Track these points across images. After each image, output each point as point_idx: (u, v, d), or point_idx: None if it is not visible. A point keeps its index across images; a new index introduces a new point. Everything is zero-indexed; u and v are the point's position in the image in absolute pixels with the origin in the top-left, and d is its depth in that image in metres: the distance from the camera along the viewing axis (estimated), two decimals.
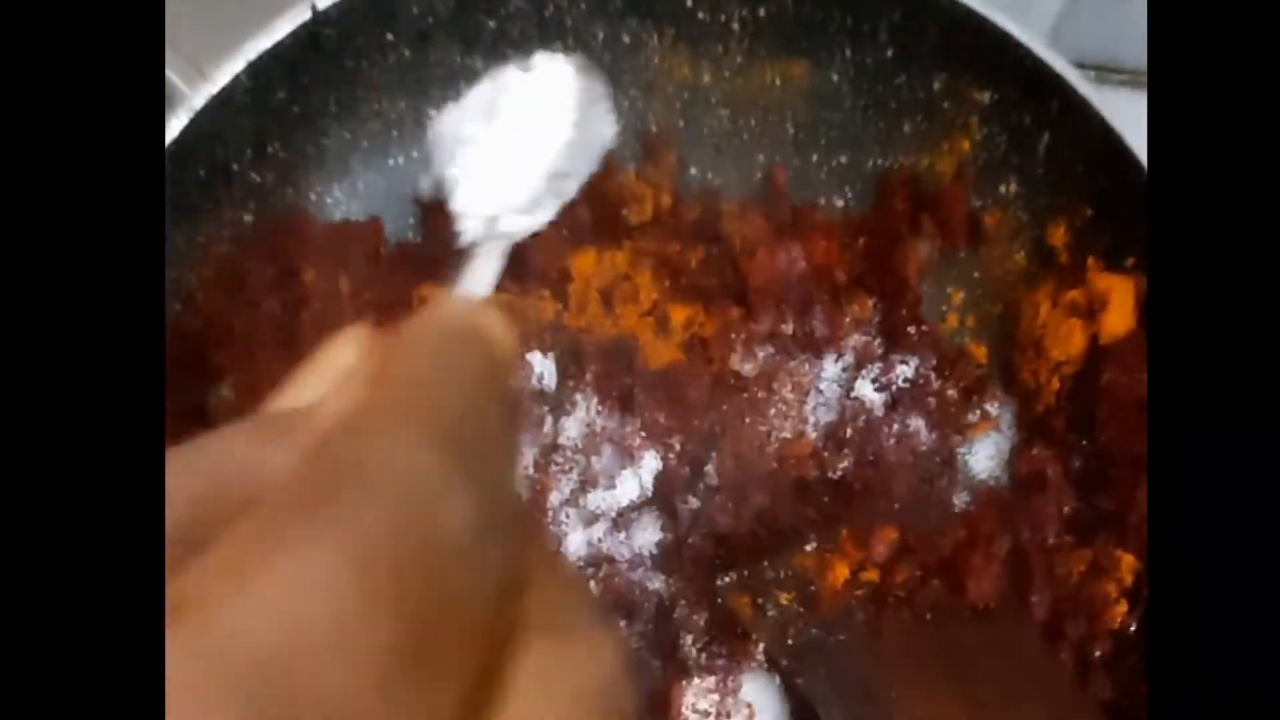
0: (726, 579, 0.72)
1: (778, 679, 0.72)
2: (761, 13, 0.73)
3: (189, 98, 0.67)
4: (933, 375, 0.76)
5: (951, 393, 0.75)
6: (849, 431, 0.75)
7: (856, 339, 0.75)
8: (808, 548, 0.73)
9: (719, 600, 0.71)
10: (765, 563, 0.73)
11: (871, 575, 0.73)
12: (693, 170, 0.79)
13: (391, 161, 0.77)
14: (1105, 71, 0.88)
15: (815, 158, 0.78)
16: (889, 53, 0.72)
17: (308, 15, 0.67)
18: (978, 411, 0.76)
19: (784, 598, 0.73)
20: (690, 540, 0.73)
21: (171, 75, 0.74)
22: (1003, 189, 0.74)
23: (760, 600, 0.73)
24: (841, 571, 0.74)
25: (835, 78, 0.75)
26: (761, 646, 0.72)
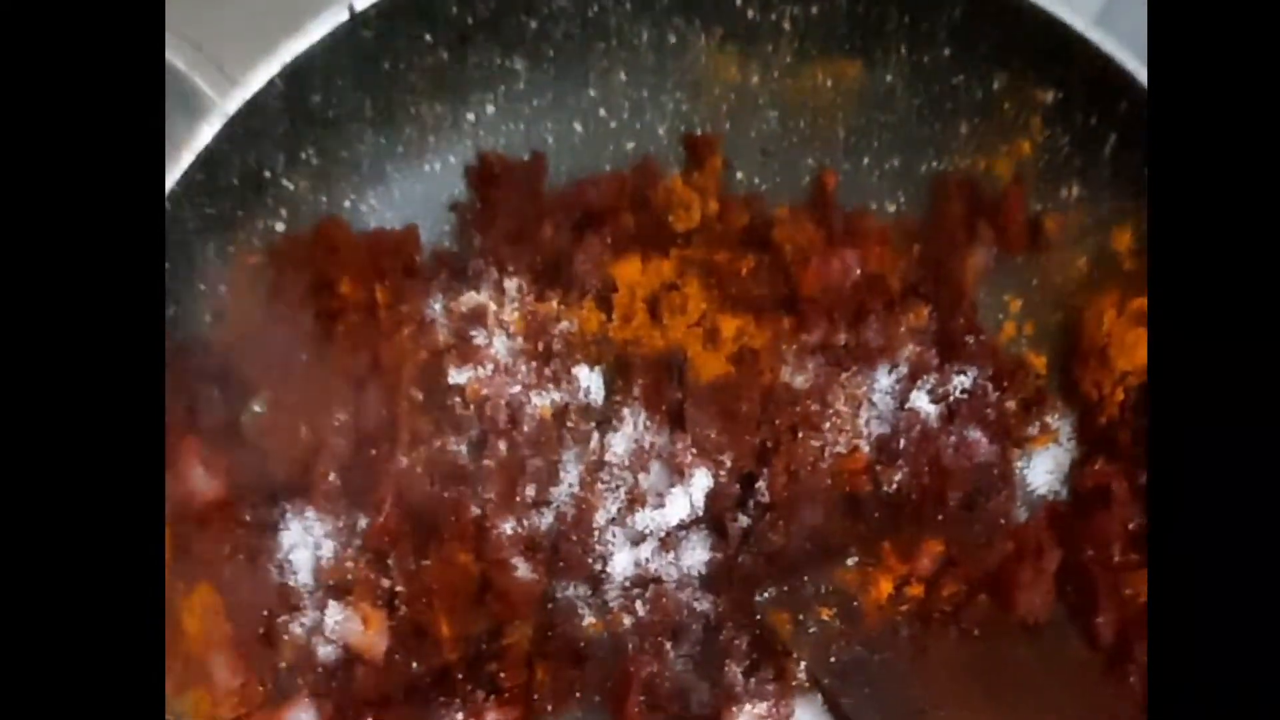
0: (765, 594, 0.69)
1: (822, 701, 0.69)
2: (814, 11, 0.70)
3: (220, 105, 0.65)
4: (990, 386, 0.73)
5: (1010, 404, 0.73)
6: (903, 444, 0.72)
7: (911, 349, 0.72)
8: (849, 562, 0.71)
9: (758, 618, 0.69)
10: (805, 578, 0.71)
11: (916, 590, 0.71)
12: (739, 175, 0.76)
13: (427, 167, 0.74)
14: None
15: (867, 161, 0.75)
16: (947, 51, 0.70)
17: (345, 17, 0.65)
18: (1037, 424, 0.73)
19: (825, 614, 0.70)
20: (740, 559, 0.71)
21: (201, 83, 0.72)
22: (1064, 192, 0.72)
23: (801, 617, 0.70)
24: (885, 587, 0.71)
25: (890, 78, 0.72)
26: (803, 665, 0.69)
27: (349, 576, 0.68)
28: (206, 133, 0.64)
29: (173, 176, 0.64)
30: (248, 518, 0.68)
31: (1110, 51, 0.63)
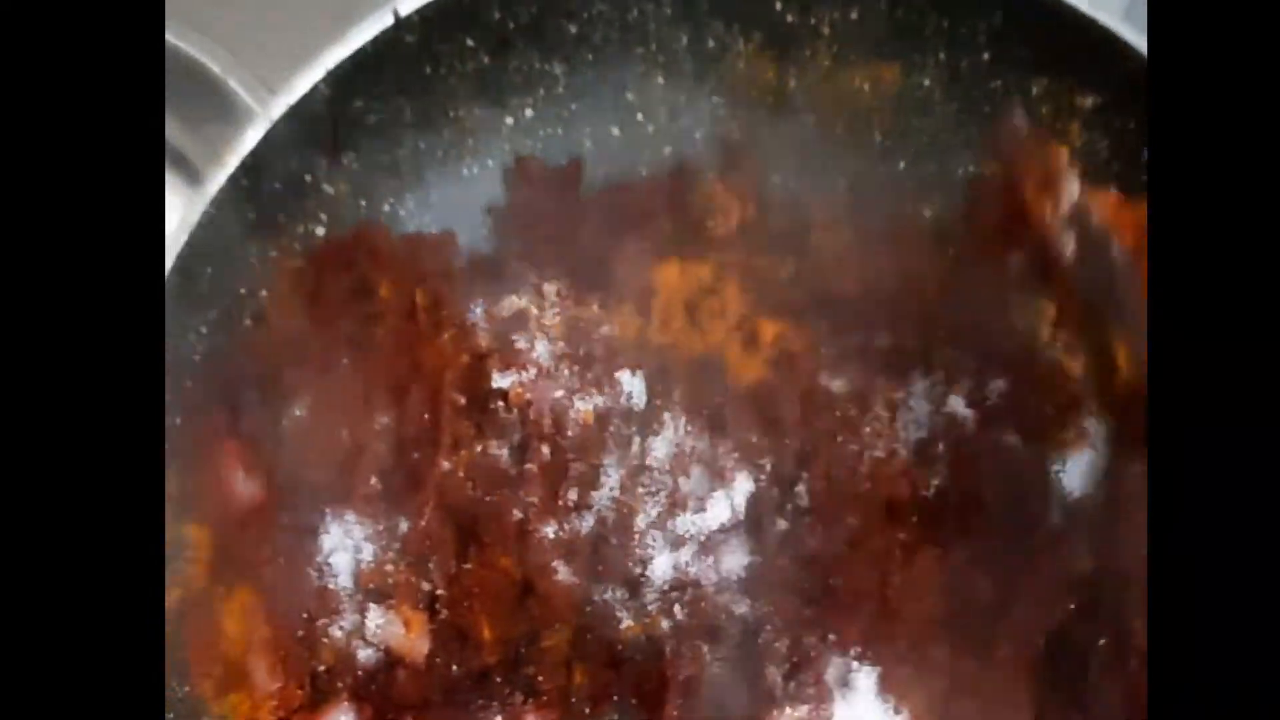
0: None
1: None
2: (854, 15, 0.70)
3: (258, 114, 0.65)
4: (1026, 390, 0.73)
5: (1046, 408, 0.73)
6: (941, 448, 0.72)
7: (948, 353, 0.72)
8: None
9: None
10: None
11: None
12: (776, 179, 0.76)
13: (465, 171, 0.75)
14: None
15: (903, 165, 0.75)
16: (986, 56, 0.70)
17: (389, 22, 0.65)
18: (1072, 428, 0.73)
19: None
20: (779, 563, 0.71)
21: (241, 92, 0.72)
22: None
23: None
24: None
25: (927, 82, 0.72)
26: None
27: (389, 580, 0.68)
28: (251, 138, 0.64)
29: (216, 182, 0.64)
30: (288, 521, 0.68)
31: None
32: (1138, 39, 0.64)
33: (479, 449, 0.68)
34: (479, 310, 0.71)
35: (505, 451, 0.68)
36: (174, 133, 0.75)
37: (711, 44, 0.73)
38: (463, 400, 0.68)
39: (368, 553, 0.68)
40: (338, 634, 0.68)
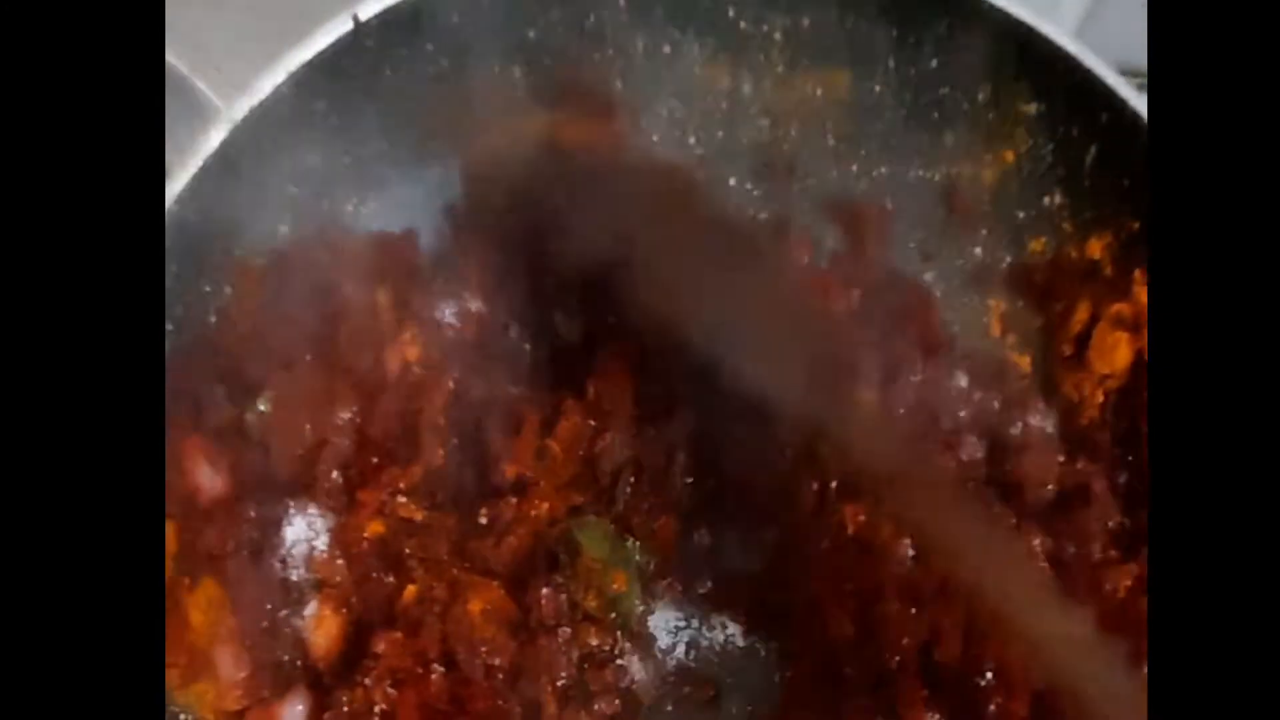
0: None
1: None
2: (806, 23, 0.72)
3: (225, 111, 0.66)
4: (972, 385, 0.75)
5: (994, 403, 0.75)
6: None
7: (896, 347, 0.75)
8: None
9: None
10: None
11: None
12: (732, 181, 0.78)
13: (427, 172, 0.76)
14: (1127, 75, 0.87)
15: (855, 168, 0.77)
16: (934, 63, 0.72)
17: (349, 26, 0.66)
18: (1020, 424, 0.75)
19: None
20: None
21: (207, 90, 0.73)
22: (1046, 200, 0.74)
23: None
24: None
25: (878, 88, 0.74)
26: None
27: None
28: (214, 138, 0.65)
29: (180, 181, 0.65)
30: (252, 514, 0.70)
31: (1091, 66, 0.65)
32: (1071, 43, 0.66)
33: None
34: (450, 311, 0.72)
35: None
36: None
37: (667, 49, 0.74)
38: None
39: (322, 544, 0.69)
40: (299, 624, 0.69)
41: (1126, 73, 0.85)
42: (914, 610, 0.69)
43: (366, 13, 0.66)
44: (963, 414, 0.73)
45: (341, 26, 0.66)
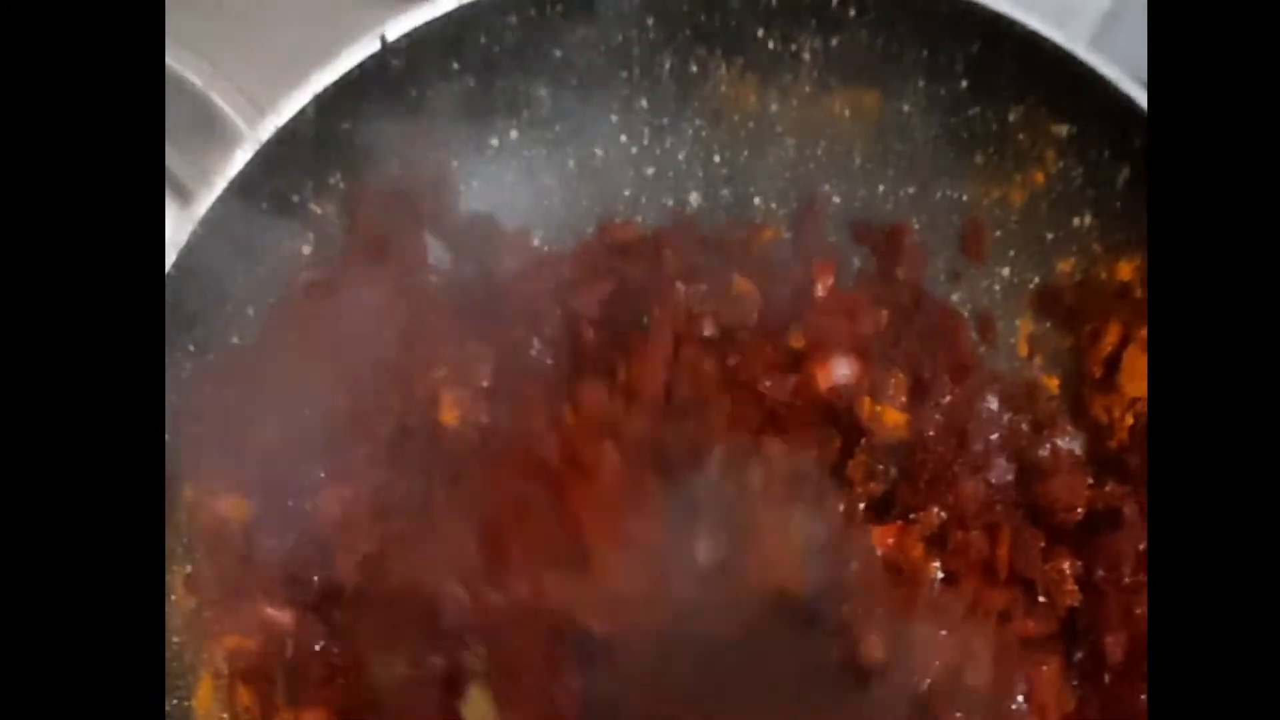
0: None
1: None
2: (834, 43, 0.71)
3: (247, 135, 0.66)
4: (1001, 407, 0.75)
5: (1023, 426, 0.74)
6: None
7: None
8: None
9: None
10: None
11: None
12: (756, 201, 0.78)
13: None
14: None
15: (882, 188, 0.77)
16: (964, 84, 0.71)
17: (376, 46, 0.66)
18: (1048, 445, 0.74)
19: None
20: None
21: (230, 112, 0.73)
22: (1076, 222, 0.73)
23: None
24: None
25: (906, 108, 0.74)
26: None
27: None
28: (240, 159, 0.65)
29: (206, 202, 0.64)
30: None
31: (1127, 90, 0.65)
32: (1105, 66, 0.66)
33: None
34: None
35: None
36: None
37: (694, 68, 0.74)
38: None
39: None
40: None
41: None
42: None
43: (394, 32, 0.65)
44: (993, 437, 0.72)
45: (369, 47, 0.65)
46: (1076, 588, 0.71)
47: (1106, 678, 0.70)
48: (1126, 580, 0.71)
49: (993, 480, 0.73)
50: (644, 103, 0.75)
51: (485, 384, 0.70)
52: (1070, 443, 0.75)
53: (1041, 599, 0.71)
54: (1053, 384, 0.76)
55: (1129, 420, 0.72)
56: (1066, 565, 0.71)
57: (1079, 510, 0.72)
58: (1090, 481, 0.73)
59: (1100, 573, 0.71)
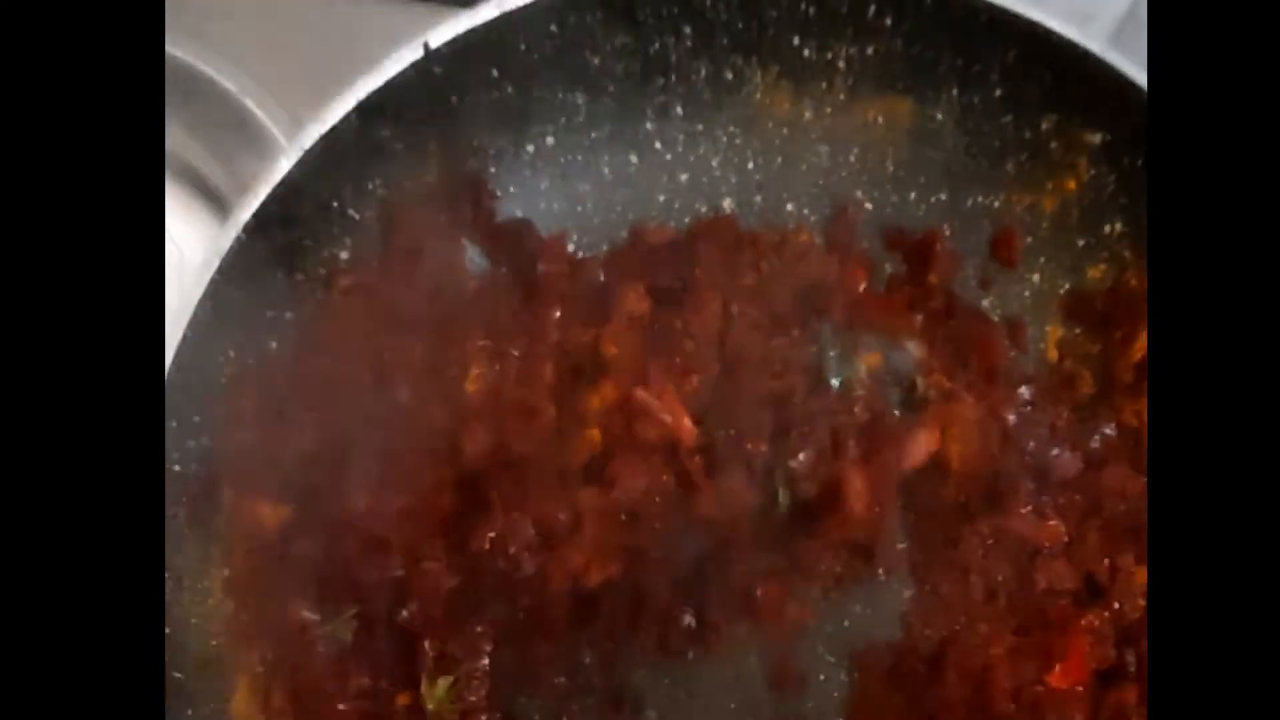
0: None
1: None
2: (870, 51, 0.72)
3: (284, 144, 0.66)
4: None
5: (1066, 415, 0.75)
6: None
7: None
8: None
9: None
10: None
11: None
12: (789, 207, 0.78)
13: None
14: None
15: (914, 195, 0.77)
16: (998, 93, 0.72)
17: (419, 54, 0.66)
18: (1098, 436, 0.75)
19: None
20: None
21: (266, 121, 0.73)
22: (1107, 229, 0.74)
23: None
24: None
25: (940, 116, 0.74)
26: None
27: None
28: (283, 166, 0.65)
29: (248, 211, 0.65)
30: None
31: None
32: (1127, 65, 0.66)
33: None
34: None
35: None
36: (203, 163, 0.76)
37: (730, 76, 0.74)
38: None
39: None
40: None
41: None
42: None
43: (437, 40, 0.66)
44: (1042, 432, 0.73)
45: (412, 54, 0.66)
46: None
47: None
48: None
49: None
50: (679, 110, 0.76)
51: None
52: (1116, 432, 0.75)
53: None
54: (1086, 380, 0.76)
55: None
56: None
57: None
58: None
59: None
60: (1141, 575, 0.70)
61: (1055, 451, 0.74)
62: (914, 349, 0.77)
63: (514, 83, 0.71)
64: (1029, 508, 0.73)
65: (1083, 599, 0.71)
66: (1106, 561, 0.71)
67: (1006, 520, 0.73)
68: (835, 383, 0.76)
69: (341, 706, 0.69)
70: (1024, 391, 0.75)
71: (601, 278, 0.75)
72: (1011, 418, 0.75)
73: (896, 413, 0.75)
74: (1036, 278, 0.77)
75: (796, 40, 0.72)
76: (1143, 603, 0.69)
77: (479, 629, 0.69)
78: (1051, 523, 0.73)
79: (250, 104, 0.75)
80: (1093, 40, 0.68)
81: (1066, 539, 0.71)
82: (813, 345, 0.75)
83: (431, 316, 0.73)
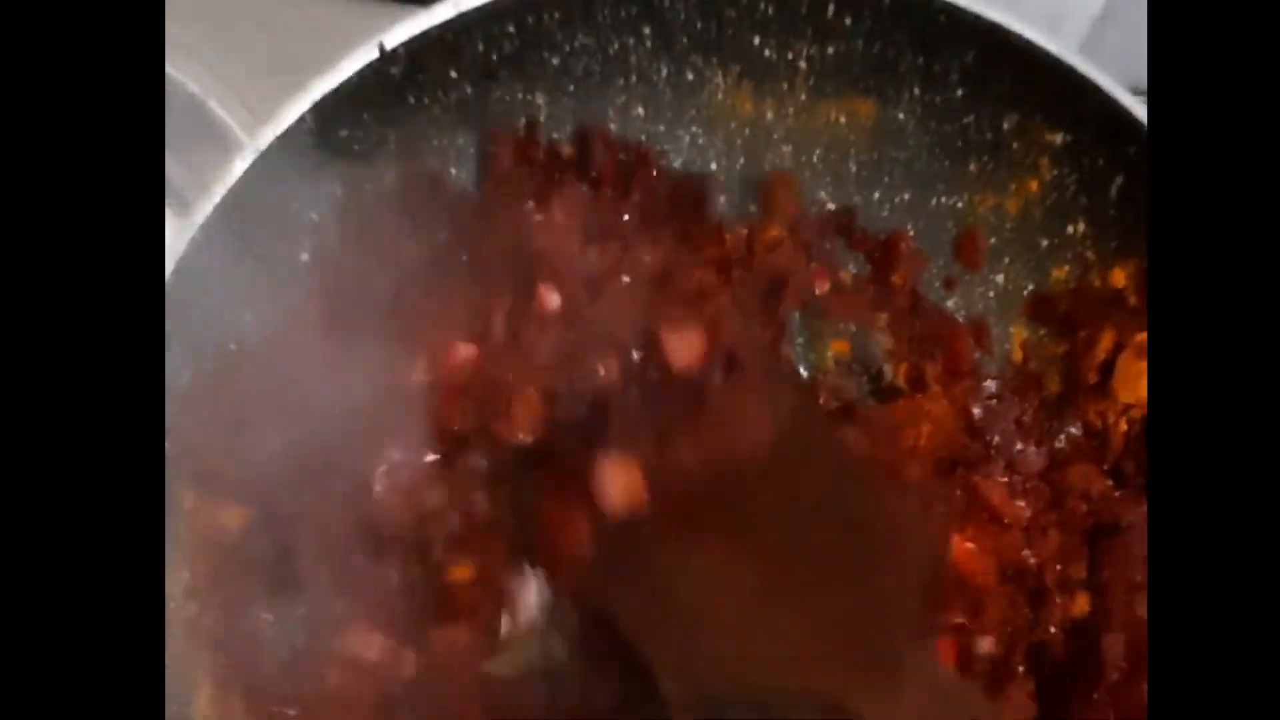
0: None
1: None
2: (830, 51, 0.72)
3: (246, 144, 0.66)
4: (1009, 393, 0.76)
5: (1030, 412, 0.75)
6: None
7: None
8: None
9: None
10: None
11: None
12: (752, 208, 0.78)
13: None
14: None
15: (878, 195, 0.77)
16: (959, 92, 0.72)
17: (375, 55, 0.66)
18: (1064, 435, 0.75)
19: None
20: None
21: (229, 121, 0.73)
22: (1070, 229, 0.74)
23: None
24: None
25: (902, 116, 0.74)
26: None
27: None
28: (239, 167, 0.65)
29: (205, 210, 0.65)
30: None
31: (1120, 99, 0.65)
32: (1099, 75, 0.66)
33: None
34: None
35: None
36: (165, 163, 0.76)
37: (691, 76, 0.74)
38: None
39: None
40: None
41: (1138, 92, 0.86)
42: None
43: (393, 41, 0.66)
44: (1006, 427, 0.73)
45: (368, 55, 0.66)
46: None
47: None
48: (1138, 579, 0.71)
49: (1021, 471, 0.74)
50: (640, 110, 0.75)
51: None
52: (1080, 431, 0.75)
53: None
54: (1052, 380, 0.76)
55: (1123, 426, 0.73)
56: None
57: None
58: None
59: (1105, 574, 0.72)
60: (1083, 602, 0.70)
61: (1020, 447, 0.73)
62: (882, 338, 0.77)
63: (472, 83, 0.71)
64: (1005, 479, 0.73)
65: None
66: (1058, 567, 0.71)
67: (983, 481, 0.73)
68: (803, 371, 0.76)
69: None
70: (990, 385, 0.75)
71: None
72: (978, 411, 0.75)
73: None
74: (1001, 278, 0.77)
75: (757, 40, 0.72)
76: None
77: None
78: (1020, 503, 0.73)
79: (213, 104, 0.74)
80: (1059, 41, 0.67)
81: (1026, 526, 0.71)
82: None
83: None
